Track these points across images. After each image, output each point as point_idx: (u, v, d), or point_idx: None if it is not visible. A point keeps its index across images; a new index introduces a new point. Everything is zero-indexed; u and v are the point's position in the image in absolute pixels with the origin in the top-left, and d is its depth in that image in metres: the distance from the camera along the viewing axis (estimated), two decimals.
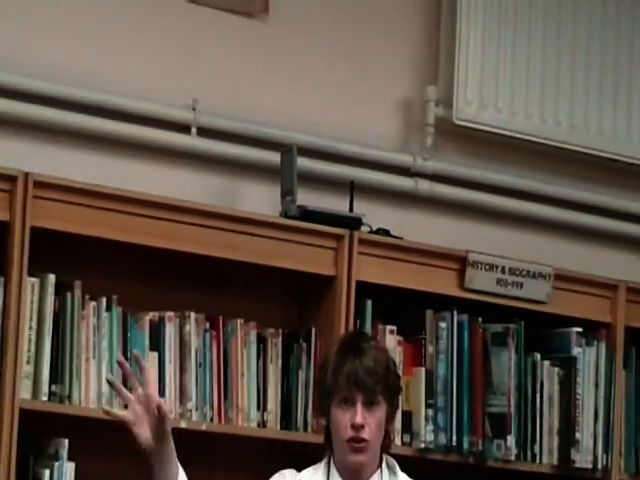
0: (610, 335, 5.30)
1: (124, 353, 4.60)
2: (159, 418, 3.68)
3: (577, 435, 5.20)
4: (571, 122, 5.61)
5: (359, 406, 3.95)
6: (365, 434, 3.94)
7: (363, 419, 3.95)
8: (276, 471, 4.22)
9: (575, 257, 5.47)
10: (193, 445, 4.58)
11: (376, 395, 3.95)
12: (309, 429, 4.85)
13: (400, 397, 4.15)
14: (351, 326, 4.82)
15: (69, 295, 4.54)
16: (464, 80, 5.36)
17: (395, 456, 4.17)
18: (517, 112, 5.49)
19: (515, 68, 5.52)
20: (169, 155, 4.97)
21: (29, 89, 4.81)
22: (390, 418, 4.01)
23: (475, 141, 5.42)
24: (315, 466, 4.13)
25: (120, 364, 3.65)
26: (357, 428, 3.94)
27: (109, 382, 4.00)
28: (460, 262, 5.05)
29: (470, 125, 5.34)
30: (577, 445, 5.19)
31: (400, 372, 4.62)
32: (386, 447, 4.07)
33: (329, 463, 4.11)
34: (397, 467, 4.09)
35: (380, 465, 4.06)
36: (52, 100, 4.77)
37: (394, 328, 4.99)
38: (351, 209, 4.97)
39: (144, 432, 3.68)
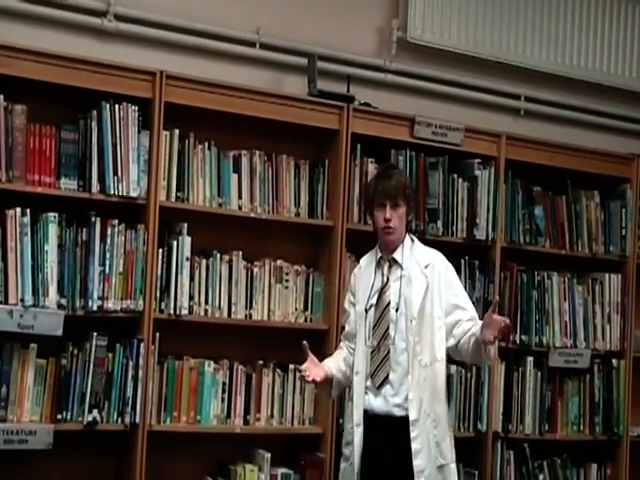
0: (497, 164, 5.46)
1: (218, 174, 4.82)
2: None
3: (477, 220, 5.38)
4: (476, 40, 5.74)
5: (388, 208, 4.32)
6: (392, 224, 4.33)
7: (390, 215, 4.32)
8: None
9: (476, 118, 5.63)
10: (254, 228, 4.94)
11: (398, 200, 4.33)
12: (324, 218, 5.04)
13: (414, 203, 4.47)
14: (349, 160, 5.05)
15: (186, 141, 4.79)
16: (413, 15, 5.53)
17: None
18: (451, 35, 5.66)
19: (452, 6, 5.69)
20: (243, 60, 5.18)
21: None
22: (408, 214, 4.39)
23: (420, 52, 5.65)
24: (370, 252, 4.44)
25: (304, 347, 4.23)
26: (387, 220, 4.32)
27: (303, 345, 4.22)
28: (411, 121, 5.24)
29: (417, 42, 5.59)
30: (477, 226, 5.39)
31: None
32: (410, 229, 4.46)
33: (377, 245, 4.43)
34: (417, 241, 4.45)
35: (403, 241, 4.38)
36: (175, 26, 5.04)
37: (373, 159, 5.17)
38: (348, 91, 5.20)
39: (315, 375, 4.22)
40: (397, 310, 4.27)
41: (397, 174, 4.44)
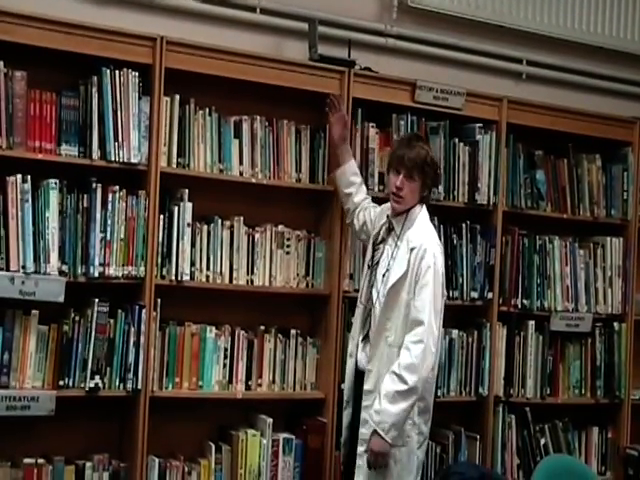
0: (498, 128, 5.42)
1: (219, 140, 4.79)
2: (345, 125, 4.77)
3: (479, 185, 5.35)
4: (477, 4, 5.68)
5: (401, 177, 4.37)
6: (402, 193, 4.37)
7: (401, 184, 4.37)
8: None
9: (477, 82, 5.60)
10: (255, 194, 4.91)
11: (413, 173, 4.37)
12: (326, 183, 5.00)
13: (431, 180, 4.47)
14: (350, 124, 4.96)
15: (187, 107, 4.75)
16: None
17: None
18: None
19: None
20: (243, 25, 5.12)
21: None
22: (422, 190, 4.41)
23: (421, 17, 5.59)
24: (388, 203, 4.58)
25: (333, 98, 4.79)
26: (398, 189, 4.36)
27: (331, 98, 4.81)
28: (412, 86, 5.20)
29: (418, 7, 5.53)
30: (479, 191, 5.35)
31: (376, 150, 5.09)
32: (425, 201, 4.49)
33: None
34: (423, 218, 4.44)
35: (409, 211, 4.40)
36: None
37: (374, 124, 5.13)
38: (349, 56, 5.13)
39: (337, 129, 4.75)
40: (384, 275, 4.33)
41: (420, 147, 4.44)
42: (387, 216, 4.51)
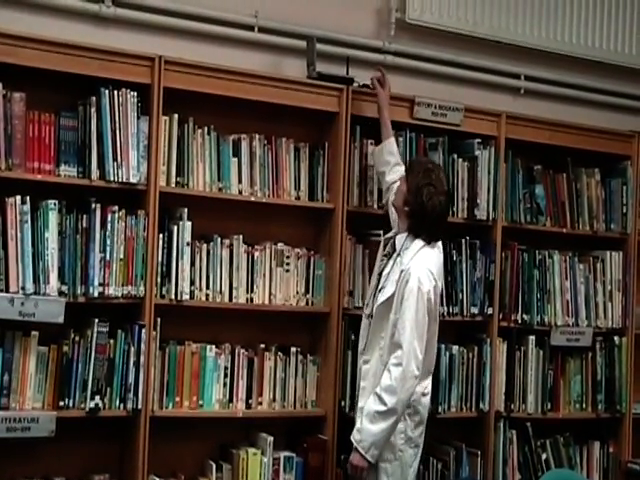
0: (497, 143, 5.42)
1: (217, 158, 4.78)
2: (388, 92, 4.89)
3: (478, 201, 5.35)
4: (475, 20, 5.66)
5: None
6: None
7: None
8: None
9: (475, 98, 5.59)
10: (254, 212, 4.91)
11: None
12: (325, 201, 5.00)
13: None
14: (349, 142, 4.99)
15: (186, 126, 4.75)
16: None
17: None
18: (450, 15, 5.57)
19: None
20: (241, 44, 5.11)
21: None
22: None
23: (419, 33, 5.59)
24: None
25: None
26: None
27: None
28: (410, 102, 5.21)
29: (416, 23, 5.52)
30: (478, 206, 5.35)
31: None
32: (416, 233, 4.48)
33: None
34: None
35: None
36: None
37: (373, 141, 5.09)
38: (347, 73, 5.13)
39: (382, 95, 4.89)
40: (380, 290, 4.36)
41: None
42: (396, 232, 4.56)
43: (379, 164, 4.92)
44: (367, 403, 4.25)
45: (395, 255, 4.42)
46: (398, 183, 4.63)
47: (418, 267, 4.28)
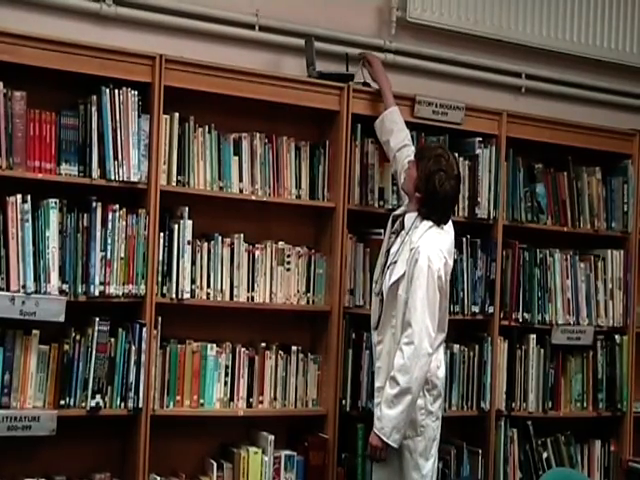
0: (498, 142, 5.42)
1: (218, 157, 4.77)
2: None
3: (479, 199, 5.34)
4: (476, 19, 5.67)
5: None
6: None
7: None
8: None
9: (476, 97, 5.59)
10: (255, 211, 4.91)
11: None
12: (326, 199, 5.00)
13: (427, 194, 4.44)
14: (349, 140, 4.98)
15: (186, 125, 4.75)
16: None
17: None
18: (450, 14, 5.59)
19: None
20: (242, 43, 5.12)
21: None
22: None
23: (420, 32, 5.60)
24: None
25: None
26: None
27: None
28: (411, 101, 5.20)
29: (417, 22, 5.53)
30: (479, 205, 5.34)
31: (375, 166, 5.06)
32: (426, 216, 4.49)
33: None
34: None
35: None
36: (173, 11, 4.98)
37: (373, 140, 5.07)
38: (347, 70, 5.13)
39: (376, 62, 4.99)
40: (389, 268, 4.37)
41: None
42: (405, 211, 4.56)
43: (382, 133, 4.91)
44: (385, 388, 4.26)
45: (404, 233, 4.42)
46: (405, 150, 4.70)
47: (427, 245, 4.29)
